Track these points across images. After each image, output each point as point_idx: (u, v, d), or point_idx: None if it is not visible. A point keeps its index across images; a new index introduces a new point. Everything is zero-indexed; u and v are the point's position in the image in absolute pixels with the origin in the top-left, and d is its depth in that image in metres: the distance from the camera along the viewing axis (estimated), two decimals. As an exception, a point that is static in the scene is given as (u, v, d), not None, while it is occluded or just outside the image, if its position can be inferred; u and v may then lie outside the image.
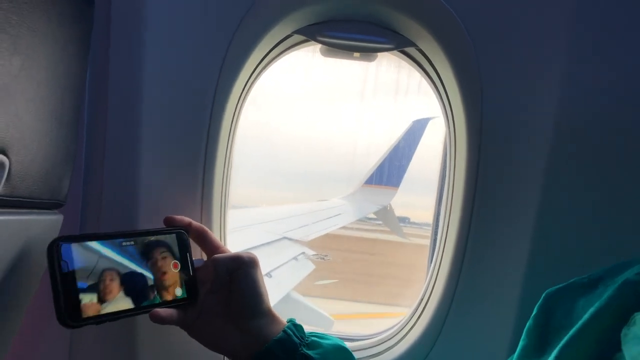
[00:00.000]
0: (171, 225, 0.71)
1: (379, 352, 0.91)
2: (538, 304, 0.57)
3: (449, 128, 0.87)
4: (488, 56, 0.77)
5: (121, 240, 0.63)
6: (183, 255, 0.69)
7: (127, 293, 0.62)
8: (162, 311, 0.65)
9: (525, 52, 0.77)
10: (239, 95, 0.83)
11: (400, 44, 0.82)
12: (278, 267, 3.77)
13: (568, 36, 0.75)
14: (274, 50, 0.84)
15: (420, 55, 0.85)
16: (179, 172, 0.78)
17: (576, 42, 0.75)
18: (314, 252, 4.42)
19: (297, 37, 0.83)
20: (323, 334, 0.73)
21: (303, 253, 4.31)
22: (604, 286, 0.53)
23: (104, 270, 0.60)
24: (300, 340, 0.69)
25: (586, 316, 0.49)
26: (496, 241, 0.81)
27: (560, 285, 0.57)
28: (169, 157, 0.77)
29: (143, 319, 0.65)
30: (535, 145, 0.78)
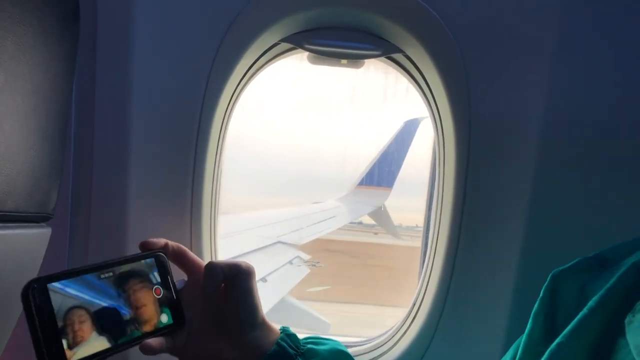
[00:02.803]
0: (147, 249, 0.65)
1: (375, 357, 0.92)
2: (544, 286, 0.53)
3: (437, 132, 0.87)
4: (474, 61, 0.78)
5: (96, 273, 0.57)
6: (164, 278, 0.64)
7: (105, 330, 0.56)
8: (153, 341, 0.61)
9: (511, 56, 0.78)
10: (227, 103, 0.83)
11: (387, 50, 0.83)
12: (273, 271, 3.76)
13: (554, 39, 0.76)
14: (261, 59, 0.84)
15: (407, 61, 0.86)
16: (167, 179, 0.78)
17: (562, 45, 0.76)
18: (307, 257, 4.41)
19: (284, 45, 0.84)
20: (319, 339, 0.71)
21: (298, 257, 4.30)
22: (614, 267, 0.49)
23: (71, 309, 0.53)
24: (295, 350, 0.66)
25: (591, 303, 0.46)
26: (487, 242, 0.82)
27: (566, 265, 0.53)
28: (157, 165, 0.77)
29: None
30: (524, 147, 0.78)
